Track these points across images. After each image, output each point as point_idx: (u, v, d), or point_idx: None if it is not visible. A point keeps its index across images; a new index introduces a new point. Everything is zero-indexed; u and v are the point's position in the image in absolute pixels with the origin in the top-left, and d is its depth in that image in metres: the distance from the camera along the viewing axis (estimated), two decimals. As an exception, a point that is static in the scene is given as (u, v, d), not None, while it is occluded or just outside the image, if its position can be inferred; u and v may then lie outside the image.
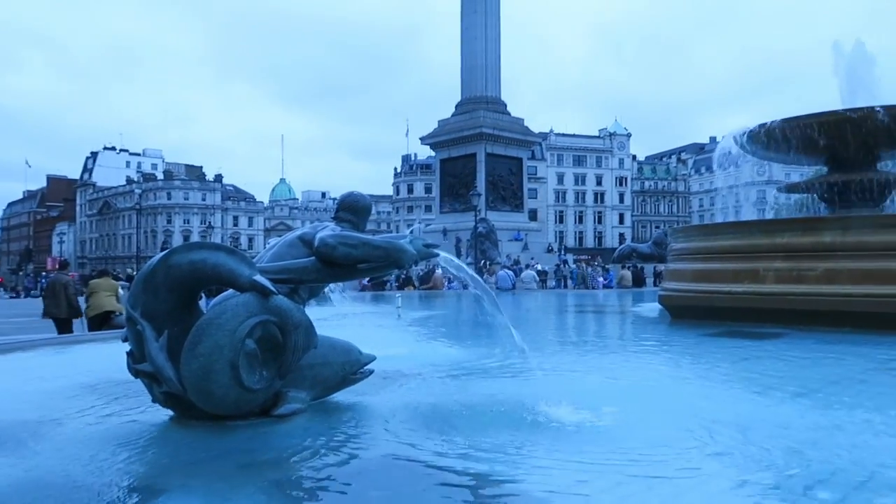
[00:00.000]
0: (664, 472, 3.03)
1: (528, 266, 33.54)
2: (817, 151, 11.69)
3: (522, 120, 46.61)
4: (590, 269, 35.71)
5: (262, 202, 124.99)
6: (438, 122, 47.19)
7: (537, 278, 30.19)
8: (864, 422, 4.00)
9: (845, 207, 11.74)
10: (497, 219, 41.17)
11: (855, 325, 8.68)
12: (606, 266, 39.48)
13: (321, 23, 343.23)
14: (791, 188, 13.28)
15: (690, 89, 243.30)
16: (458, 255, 38.10)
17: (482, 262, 33.85)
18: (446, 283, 26.15)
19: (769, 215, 65.28)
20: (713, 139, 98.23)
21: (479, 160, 42.77)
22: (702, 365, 6.88)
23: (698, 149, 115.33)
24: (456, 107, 46.31)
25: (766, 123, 11.23)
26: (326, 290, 5.31)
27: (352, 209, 4.72)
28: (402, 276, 27.34)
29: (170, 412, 4.00)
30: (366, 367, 4.52)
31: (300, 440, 3.60)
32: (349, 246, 3.94)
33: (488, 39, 44.38)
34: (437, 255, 4.29)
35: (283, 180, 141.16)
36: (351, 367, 4.41)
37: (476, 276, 4.51)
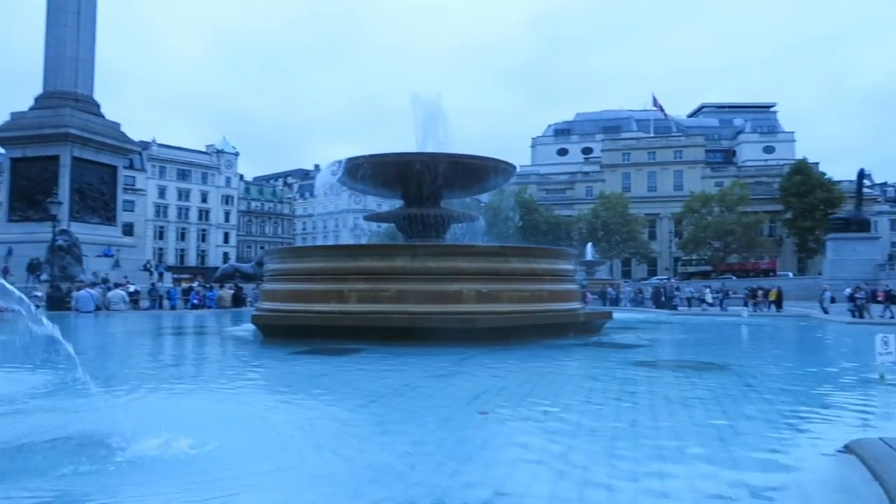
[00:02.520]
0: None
1: (118, 285, 30.39)
2: (394, 187, 13.31)
3: (119, 124, 42.31)
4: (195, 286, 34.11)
5: None
6: (11, 114, 39.79)
7: (126, 298, 27.56)
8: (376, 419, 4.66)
9: (417, 237, 13.61)
10: (84, 231, 36.35)
11: (419, 339, 10.05)
12: (210, 285, 38.17)
13: None
14: (373, 218, 14.85)
15: (306, 114, 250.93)
16: (36, 271, 32.53)
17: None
18: None
19: (364, 241, 71.39)
20: (317, 166, 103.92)
21: (63, 164, 37.25)
22: (283, 384, 7.12)
23: (304, 174, 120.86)
24: (36, 100, 39.67)
25: (354, 158, 12.36)
26: None
27: None
28: None
29: None
30: None
31: None
32: None
33: (81, 29, 39.23)
34: None
35: None
36: None
37: (24, 298, 3.84)
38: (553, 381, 7.12)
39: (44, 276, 31.24)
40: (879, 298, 38.60)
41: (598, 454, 3.76)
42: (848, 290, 29.09)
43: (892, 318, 25.04)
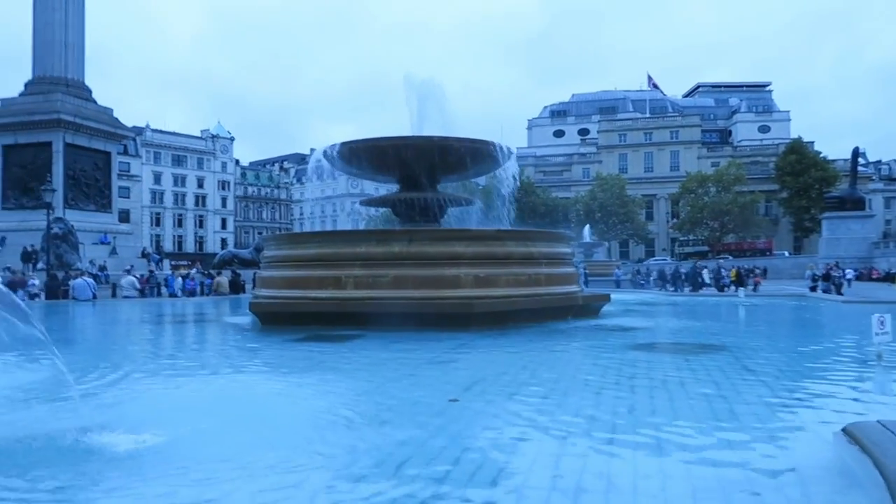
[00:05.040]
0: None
1: (127, 271, 30.67)
2: (391, 171, 13.24)
3: (111, 110, 41.99)
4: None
5: None
6: (1, 100, 39.47)
7: (137, 285, 27.92)
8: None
9: (413, 222, 13.57)
10: (79, 219, 36.19)
11: (417, 324, 10.06)
12: (209, 272, 38.11)
13: None
14: (369, 202, 14.80)
15: (306, 94, 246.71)
16: (31, 260, 32.42)
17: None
18: None
19: (361, 226, 71.33)
20: (313, 150, 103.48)
21: (55, 150, 37.01)
22: (281, 370, 7.12)
23: (300, 158, 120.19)
24: (26, 85, 39.33)
25: (347, 142, 12.28)
26: None
27: None
28: None
29: None
30: None
31: None
32: None
33: (70, 13, 38.76)
34: None
35: None
36: None
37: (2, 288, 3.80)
38: (552, 366, 7.14)
39: (40, 265, 31.14)
40: (874, 276, 38.73)
41: (598, 442, 3.77)
42: (820, 269, 28.74)
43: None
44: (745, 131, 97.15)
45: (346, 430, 4.11)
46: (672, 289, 31.63)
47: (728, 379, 5.93)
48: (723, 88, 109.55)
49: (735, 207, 69.05)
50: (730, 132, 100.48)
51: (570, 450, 3.63)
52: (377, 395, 5.37)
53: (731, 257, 60.58)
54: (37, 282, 27.31)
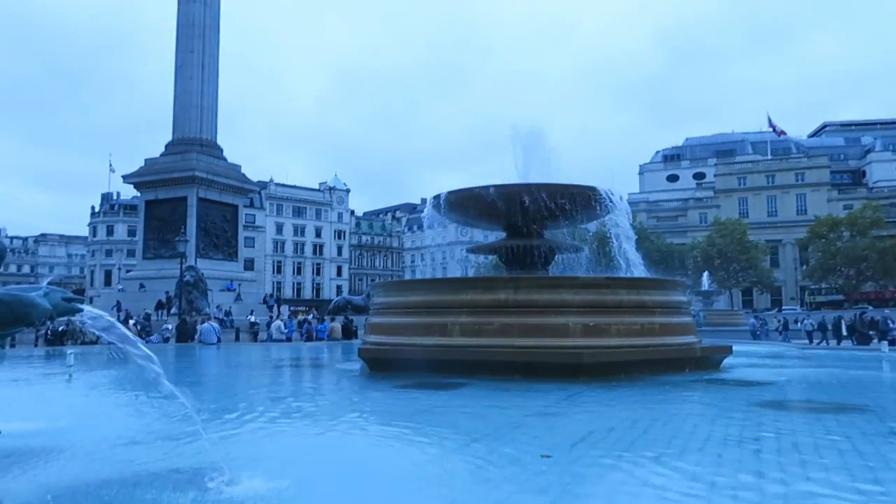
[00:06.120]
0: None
1: (275, 317, 33.38)
2: (496, 219, 13.20)
3: (239, 166, 45.31)
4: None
5: None
6: (146, 160, 43.61)
7: (283, 329, 29.85)
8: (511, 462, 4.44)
9: (520, 269, 13.39)
10: (209, 267, 38.90)
11: (524, 373, 9.80)
12: (323, 317, 39.55)
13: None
14: (476, 250, 14.79)
15: (419, 145, 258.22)
16: (163, 307, 35.00)
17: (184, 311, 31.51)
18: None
19: (470, 273, 71.71)
20: (423, 200, 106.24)
21: (190, 204, 40.26)
22: (386, 418, 7.08)
23: (411, 208, 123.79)
24: (166, 146, 43.32)
25: (455, 190, 12.39)
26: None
27: None
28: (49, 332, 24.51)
29: None
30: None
31: None
32: None
33: (205, 81, 42.59)
34: (81, 309, 3.78)
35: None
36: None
37: (128, 333, 4.02)
38: (667, 422, 6.65)
39: (173, 310, 33.52)
40: None
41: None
42: None
43: None
44: (880, 171, 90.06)
45: (447, 485, 3.96)
46: (835, 342, 28.81)
47: (871, 444, 5.26)
48: (853, 127, 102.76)
49: (873, 253, 63.60)
50: (863, 172, 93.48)
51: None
52: (480, 447, 5.17)
53: (870, 307, 55.56)
54: (170, 326, 29.33)
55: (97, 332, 3.96)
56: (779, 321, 40.36)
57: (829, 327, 30.90)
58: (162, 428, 5.98)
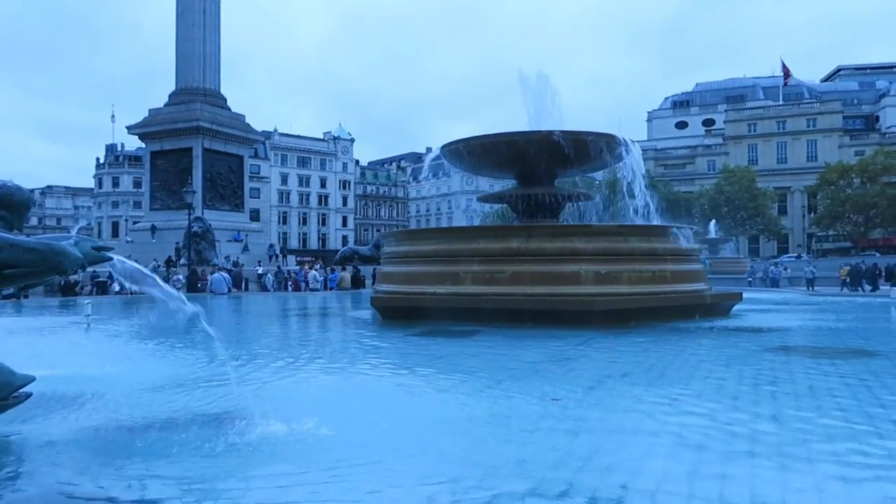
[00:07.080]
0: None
1: (311, 267, 34.20)
2: (507, 168, 13.14)
3: (244, 116, 44.85)
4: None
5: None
6: (150, 110, 43.17)
7: (319, 278, 30.42)
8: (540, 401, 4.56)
9: (531, 218, 13.40)
10: (215, 218, 38.97)
11: (535, 321, 9.92)
12: (332, 267, 39.80)
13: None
14: (485, 199, 14.76)
15: (427, 91, 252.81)
16: (178, 257, 35.21)
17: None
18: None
19: (476, 223, 71.60)
20: (429, 149, 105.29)
21: (195, 155, 40.06)
22: (404, 367, 7.21)
23: (416, 157, 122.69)
24: (170, 96, 42.83)
25: (460, 140, 12.30)
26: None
27: (5, 204, 3.94)
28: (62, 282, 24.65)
29: None
30: (20, 391, 3.84)
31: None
32: None
33: (207, 28, 41.80)
34: (111, 258, 3.82)
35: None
36: (-2, 391, 3.71)
37: (159, 280, 4.07)
38: (681, 367, 6.77)
39: (182, 261, 33.75)
40: None
41: (739, 455, 3.50)
42: None
43: None
44: (895, 116, 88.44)
45: (473, 422, 4.09)
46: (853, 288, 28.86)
47: (886, 387, 5.36)
48: (868, 71, 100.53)
49: (883, 200, 63.12)
50: (877, 118, 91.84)
51: (706, 458, 3.39)
52: (500, 391, 5.29)
53: (878, 254, 55.50)
54: (181, 276, 29.62)
55: (125, 282, 4.03)
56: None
57: (864, 273, 30.36)
58: (191, 372, 6.12)
